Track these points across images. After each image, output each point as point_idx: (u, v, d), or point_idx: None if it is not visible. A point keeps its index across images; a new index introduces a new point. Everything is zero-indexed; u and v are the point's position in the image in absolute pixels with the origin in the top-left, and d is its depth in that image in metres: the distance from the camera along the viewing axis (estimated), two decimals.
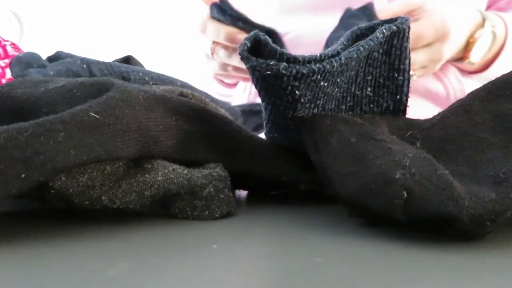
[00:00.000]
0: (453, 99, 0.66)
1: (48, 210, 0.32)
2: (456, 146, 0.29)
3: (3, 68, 0.57)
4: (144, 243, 0.25)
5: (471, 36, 0.60)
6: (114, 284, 0.19)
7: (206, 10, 0.60)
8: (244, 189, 0.41)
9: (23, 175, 0.23)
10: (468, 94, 0.32)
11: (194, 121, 0.32)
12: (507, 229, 0.27)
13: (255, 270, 0.21)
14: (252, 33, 0.28)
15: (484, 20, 0.61)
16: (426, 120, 0.33)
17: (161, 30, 1.71)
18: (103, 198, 0.27)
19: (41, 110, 0.29)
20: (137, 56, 0.56)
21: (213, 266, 0.21)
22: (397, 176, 0.24)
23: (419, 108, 0.66)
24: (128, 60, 0.59)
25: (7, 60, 0.58)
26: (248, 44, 0.28)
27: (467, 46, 0.61)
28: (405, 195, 0.23)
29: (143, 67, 0.59)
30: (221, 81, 0.76)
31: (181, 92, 0.36)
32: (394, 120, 0.33)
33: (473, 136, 0.29)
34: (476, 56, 0.62)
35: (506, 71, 0.67)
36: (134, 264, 0.21)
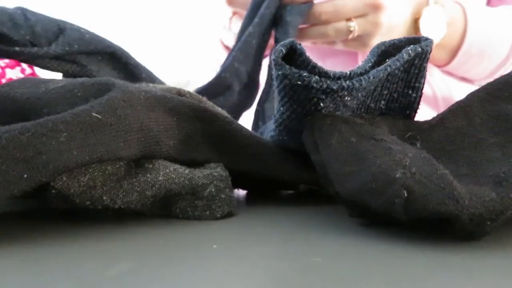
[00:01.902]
0: (440, 98, 0.65)
1: (48, 210, 0.32)
2: (456, 147, 0.30)
3: (3, 68, 0.57)
4: (144, 243, 0.25)
5: (417, 11, 0.59)
6: (114, 284, 0.19)
7: None
8: (244, 189, 0.41)
9: (25, 176, 0.23)
10: (467, 95, 0.32)
11: (195, 121, 0.32)
12: (507, 229, 0.27)
13: (255, 270, 0.21)
14: (288, 40, 0.29)
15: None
16: (425, 121, 0.33)
17: (163, 28, 1.71)
18: (104, 198, 0.27)
19: (42, 110, 0.29)
20: (136, 55, 0.56)
21: (213, 266, 0.21)
22: (397, 176, 0.24)
23: None
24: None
25: (7, 60, 0.58)
26: (284, 51, 0.28)
27: (415, 24, 0.60)
28: (406, 194, 0.23)
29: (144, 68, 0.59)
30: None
31: (179, 91, 0.36)
32: (394, 121, 0.33)
33: (472, 136, 0.29)
34: (432, 35, 0.60)
35: (477, 60, 0.65)
36: (134, 264, 0.21)
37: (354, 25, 0.55)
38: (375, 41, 0.56)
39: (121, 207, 0.28)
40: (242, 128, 0.34)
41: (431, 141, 0.30)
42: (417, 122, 0.34)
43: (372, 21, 0.55)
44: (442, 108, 0.65)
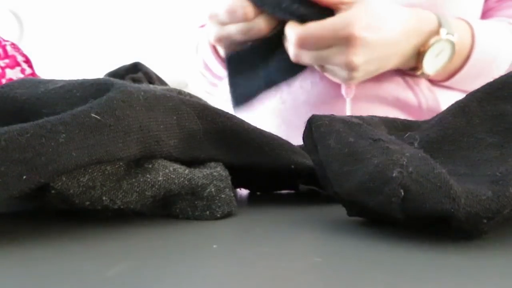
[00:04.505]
0: (425, 108, 0.62)
1: (48, 210, 0.32)
2: (454, 147, 0.30)
3: (3, 68, 0.57)
4: (144, 243, 0.25)
5: (423, 44, 0.56)
6: (114, 284, 0.19)
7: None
8: (245, 187, 0.41)
9: (24, 177, 0.23)
10: (467, 95, 0.32)
11: (196, 119, 0.32)
12: (507, 229, 0.27)
13: (255, 270, 0.21)
14: None
15: (439, 26, 0.56)
16: (424, 121, 0.33)
17: (163, 28, 1.71)
18: (104, 198, 0.27)
19: (41, 110, 0.29)
20: (136, 55, 0.56)
21: (213, 266, 0.21)
22: (394, 175, 0.24)
23: None
24: (135, 66, 0.59)
25: (7, 60, 0.58)
26: None
27: (418, 56, 0.57)
28: (402, 193, 0.23)
29: (152, 72, 0.59)
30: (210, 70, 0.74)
31: (179, 92, 0.36)
32: (393, 121, 0.33)
33: (471, 136, 0.30)
34: (430, 68, 0.58)
35: (473, 79, 0.63)
36: (134, 264, 0.21)
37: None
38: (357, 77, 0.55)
39: (120, 207, 0.28)
40: (244, 123, 0.34)
41: (430, 140, 0.31)
42: (416, 122, 0.34)
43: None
44: (427, 118, 0.63)
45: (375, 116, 0.33)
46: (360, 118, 0.32)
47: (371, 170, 0.25)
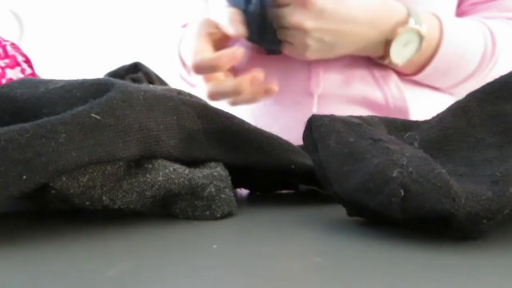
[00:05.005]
0: (392, 108, 0.63)
1: (48, 210, 0.32)
2: (454, 147, 0.30)
3: (3, 68, 0.57)
4: (144, 243, 0.25)
5: (391, 32, 0.57)
6: (114, 284, 0.19)
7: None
8: (245, 188, 0.41)
9: (24, 177, 0.23)
10: (466, 95, 0.32)
11: (196, 119, 0.32)
12: (507, 229, 0.27)
13: (255, 270, 0.21)
14: None
15: (408, 16, 0.57)
16: (424, 121, 0.33)
17: (163, 28, 1.71)
18: (104, 198, 0.27)
19: (41, 110, 0.29)
20: (136, 55, 0.56)
21: (213, 266, 0.21)
22: (394, 175, 0.24)
23: None
24: (135, 66, 0.59)
25: (7, 60, 0.58)
26: None
27: (386, 44, 0.57)
28: (402, 193, 0.23)
29: (152, 72, 0.60)
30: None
31: (179, 92, 0.36)
32: (393, 121, 0.33)
33: (471, 136, 0.30)
34: (398, 57, 0.58)
35: (442, 74, 0.63)
36: (134, 264, 0.21)
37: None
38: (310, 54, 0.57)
39: (120, 207, 0.28)
40: (244, 123, 0.34)
41: (430, 140, 0.30)
42: (416, 122, 0.34)
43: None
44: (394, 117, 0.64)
45: (375, 116, 0.33)
46: (360, 118, 0.32)
47: (371, 170, 0.25)
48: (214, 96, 0.57)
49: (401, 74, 0.64)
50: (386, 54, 0.58)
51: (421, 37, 0.58)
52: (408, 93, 0.64)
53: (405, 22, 0.57)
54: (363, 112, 0.62)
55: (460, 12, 0.70)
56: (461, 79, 0.65)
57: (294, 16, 0.54)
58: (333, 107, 0.62)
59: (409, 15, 0.57)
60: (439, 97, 0.68)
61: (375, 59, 0.61)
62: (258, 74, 0.56)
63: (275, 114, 0.65)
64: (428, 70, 0.62)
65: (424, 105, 0.65)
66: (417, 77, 0.64)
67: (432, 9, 0.62)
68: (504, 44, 0.63)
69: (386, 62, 0.60)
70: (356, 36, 0.57)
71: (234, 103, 0.58)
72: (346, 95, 0.63)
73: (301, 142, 0.41)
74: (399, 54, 0.58)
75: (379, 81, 0.63)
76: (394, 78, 0.63)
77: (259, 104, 0.65)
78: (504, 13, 0.67)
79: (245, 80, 0.55)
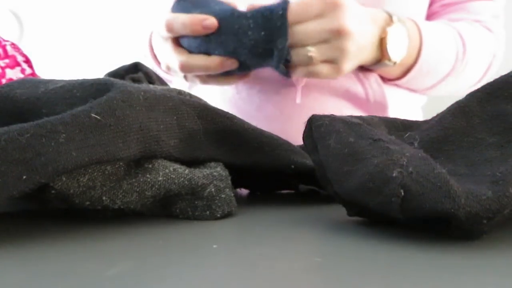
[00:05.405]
0: (372, 102, 0.64)
1: (48, 210, 0.32)
2: (454, 147, 0.30)
3: (3, 68, 0.57)
4: (144, 243, 0.25)
5: (382, 30, 0.57)
6: (114, 284, 0.19)
7: None
8: (245, 188, 0.41)
9: (24, 177, 0.23)
10: (467, 95, 0.32)
11: (196, 119, 0.32)
12: (507, 229, 0.27)
13: (255, 270, 0.21)
14: None
15: (390, 16, 0.58)
16: (424, 121, 0.33)
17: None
18: (104, 198, 0.27)
19: (41, 110, 0.29)
20: (136, 55, 0.56)
21: (213, 266, 0.21)
22: (394, 175, 0.24)
23: (341, 109, 0.64)
24: (135, 66, 0.59)
25: (7, 60, 0.58)
26: None
27: (381, 43, 0.58)
28: (402, 193, 0.23)
29: (152, 72, 0.59)
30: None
31: (179, 92, 0.36)
32: (393, 121, 0.33)
33: (471, 136, 0.29)
34: (395, 54, 0.59)
35: (423, 77, 0.66)
36: (134, 264, 0.21)
37: (313, 50, 0.52)
38: (347, 66, 0.55)
39: (120, 207, 0.28)
40: (244, 123, 0.34)
41: (430, 140, 0.30)
42: (416, 122, 0.34)
43: (337, 47, 0.53)
44: (374, 111, 0.64)
45: (375, 116, 0.33)
46: (360, 118, 0.32)
47: (371, 170, 0.25)
48: (185, 67, 0.57)
49: (385, 80, 0.66)
50: (384, 54, 0.58)
51: (407, 29, 0.59)
52: (388, 89, 0.66)
53: (390, 20, 0.58)
54: (345, 104, 0.65)
55: (431, 13, 0.72)
56: (437, 81, 0.67)
57: (333, 22, 0.52)
58: (314, 98, 0.64)
59: (389, 15, 0.58)
60: (415, 96, 0.71)
61: (372, 64, 0.61)
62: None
63: (258, 104, 0.66)
64: (412, 73, 0.63)
65: (401, 101, 0.68)
66: (401, 81, 0.65)
67: (404, 9, 0.64)
68: (472, 45, 0.66)
69: (387, 62, 0.60)
70: (370, 39, 0.57)
71: (205, 81, 0.58)
72: (329, 87, 0.64)
73: (284, 133, 0.42)
74: (396, 51, 0.59)
75: (360, 76, 0.64)
76: (374, 74, 0.65)
77: (243, 94, 0.66)
78: (471, 15, 0.70)
79: (216, 59, 0.55)
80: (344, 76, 0.62)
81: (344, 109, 0.64)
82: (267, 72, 0.62)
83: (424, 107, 0.78)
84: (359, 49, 0.55)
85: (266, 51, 0.52)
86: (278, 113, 0.64)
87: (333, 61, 0.54)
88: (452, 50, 0.65)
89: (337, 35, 0.52)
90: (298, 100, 0.63)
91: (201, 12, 0.54)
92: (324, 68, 0.54)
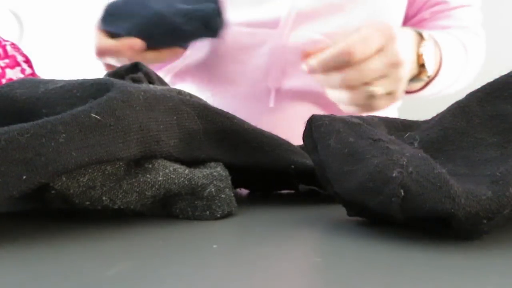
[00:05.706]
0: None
1: (48, 210, 0.32)
2: (454, 147, 0.30)
3: (3, 68, 0.57)
4: (144, 243, 0.25)
5: (418, 48, 0.60)
6: (114, 284, 0.19)
7: None
8: (245, 188, 0.41)
9: (24, 177, 0.23)
10: (467, 95, 0.32)
11: (196, 119, 0.32)
12: (507, 229, 0.27)
13: (255, 270, 0.21)
14: None
15: (420, 33, 0.60)
16: (424, 121, 0.33)
17: None
18: (104, 198, 0.27)
19: (41, 110, 0.29)
20: None
21: (213, 266, 0.21)
22: (394, 175, 0.24)
23: (312, 113, 0.66)
24: (135, 66, 0.59)
25: (7, 60, 0.58)
26: None
27: (419, 60, 0.60)
28: (402, 193, 0.23)
29: (152, 72, 0.60)
30: None
31: (179, 92, 0.36)
32: (393, 121, 0.33)
33: (471, 136, 0.30)
34: (431, 68, 0.61)
35: (440, 89, 0.69)
36: (134, 264, 0.21)
37: (378, 88, 0.54)
38: (402, 93, 0.57)
39: (120, 207, 0.28)
40: (244, 123, 0.34)
41: (430, 140, 0.31)
42: (416, 122, 0.34)
43: (395, 78, 0.54)
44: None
45: (375, 116, 0.33)
46: (360, 118, 0.32)
47: (371, 170, 0.25)
48: (100, 52, 0.63)
49: (411, 92, 0.67)
50: (422, 70, 0.60)
51: (436, 44, 0.62)
52: None
53: (421, 38, 0.60)
54: (317, 110, 0.67)
55: (421, 19, 0.75)
56: (437, 91, 0.71)
57: (393, 56, 0.53)
58: (288, 104, 0.66)
59: (417, 32, 0.60)
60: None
61: (410, 83, 0.63)
62: (136, 42, 0.60)
63: (233, 107, 0.68)
64: (432, 85, 0.66)
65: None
66: (419, 93, 0.68)
67: (383, 8, 0.67)
68: (447, 56, 0.68)
69: (424, 77, 0.61)
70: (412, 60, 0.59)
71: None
72: (303, 91, 0.66)
73: None
74: (430, 67, 0.61)
75: None
76: None
77: (218, 97, 0.69)
78: (457, 21, 0.74)
79: (124, 45, 0.60)
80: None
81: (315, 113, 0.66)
82: (242, 76, 0.64)
83: (401, 108, 0.79)
84: (408, 73, 0.57)
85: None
86: (251, 116, 0.65)
87: (391, 92, 0.55)
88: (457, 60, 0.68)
89: (395, 67, 0.53)
90: (271, 104, 0.65)
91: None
92: (382, 101, 0.56)
